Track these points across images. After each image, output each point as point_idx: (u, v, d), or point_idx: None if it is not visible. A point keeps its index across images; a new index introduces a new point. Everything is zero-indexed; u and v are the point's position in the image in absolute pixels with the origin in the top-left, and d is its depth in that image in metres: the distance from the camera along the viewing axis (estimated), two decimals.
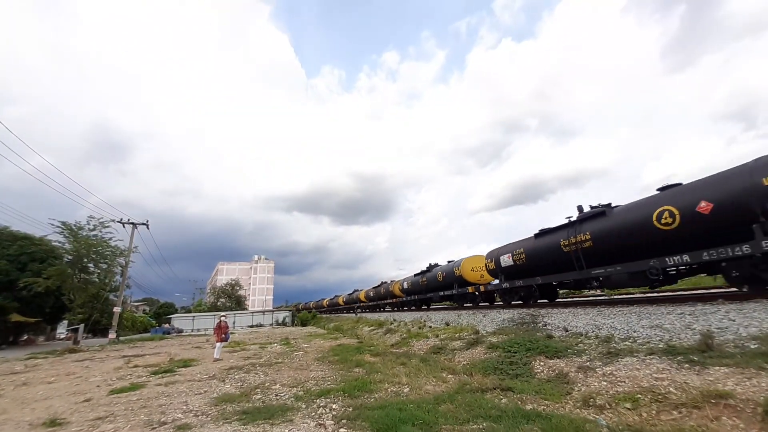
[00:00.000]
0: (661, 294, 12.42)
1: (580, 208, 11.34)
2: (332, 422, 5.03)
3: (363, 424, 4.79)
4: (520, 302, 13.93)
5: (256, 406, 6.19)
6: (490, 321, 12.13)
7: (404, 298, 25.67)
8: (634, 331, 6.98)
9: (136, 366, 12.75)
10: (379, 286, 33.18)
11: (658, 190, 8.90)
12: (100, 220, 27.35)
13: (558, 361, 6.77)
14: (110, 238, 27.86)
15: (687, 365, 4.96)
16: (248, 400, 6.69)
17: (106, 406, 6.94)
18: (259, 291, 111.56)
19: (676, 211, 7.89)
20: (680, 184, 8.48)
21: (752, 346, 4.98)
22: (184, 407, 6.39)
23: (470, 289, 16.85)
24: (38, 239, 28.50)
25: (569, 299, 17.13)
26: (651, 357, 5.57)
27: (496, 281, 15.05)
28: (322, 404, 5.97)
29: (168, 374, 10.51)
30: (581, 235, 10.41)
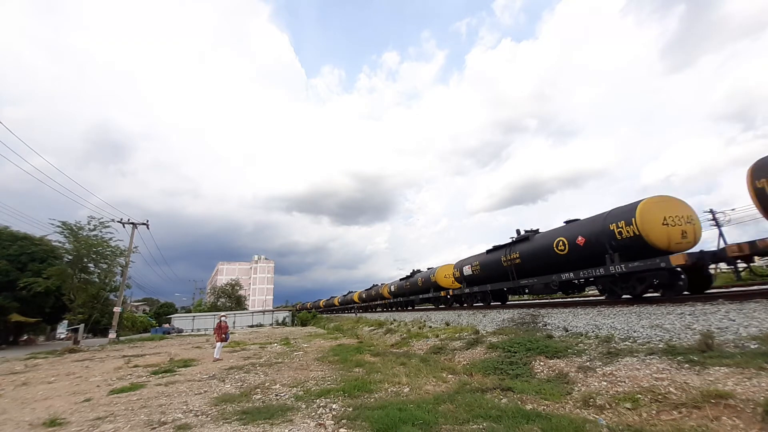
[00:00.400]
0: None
1: (518, 232, 14.36)
2: (332, 422, 5.03)
3: (363, 424, 4.79)
4: (480, 304, 16.81)
5: (256, 406, 6.19)
6: (490, 321, 12.14)
7: (391, 300, 28.15)
8: (634, 331, 6.98)
9: (136, 366, 12.75)
10: (371, 288, 35.15)
11: (564, 222, 12.06)
12: (101, 220, 27.36)
13: (558, 361, 6.77)
14: (110, 238, 27.87)
15: (687, 365, 4.96)
16: (248, 400, 6.69)
17: (106, 406, 6.94)
18: (259, 291, 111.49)
19: (566, 242, 11.08)
20: (578, 219, 11.64)
21: (752, 346, 4.98)
22: (184, 407, 6.38)
23: (442, 293, 19.92)
24: (38, 239, 28.54)
25: (569, 299, 17.12)
26: (651, 357, 5.57)
27: (464, 287, 17.53)
28: (322, 404, 5.97)
29: (168, 374, 10.51)
30: (513, 253, 13.63)
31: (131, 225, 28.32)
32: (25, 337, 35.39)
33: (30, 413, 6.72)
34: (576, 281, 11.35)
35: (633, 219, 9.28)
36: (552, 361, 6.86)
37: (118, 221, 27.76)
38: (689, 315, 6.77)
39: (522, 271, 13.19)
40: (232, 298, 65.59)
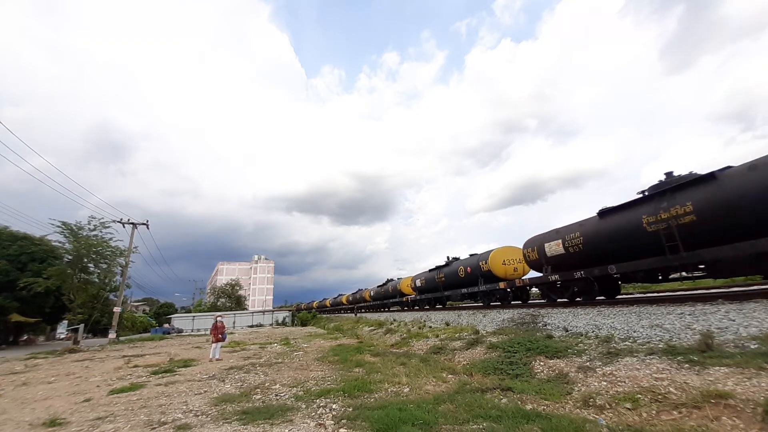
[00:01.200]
0: (661, 294, 12.42)
1: (447, 257, 17.85)
2: (332, 422, 5.03)
3: (363, 424, 4.79)
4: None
5: (256, 406, 6.19)
6: (490, 321, 12.13)
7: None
8: (634, 331, 6.98)
9: (136, 366, 12.75)
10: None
11: (469, 255, 17.54)
12: (101, 221, 27.37)
13: (558, 361, 6.77)
14: (110, 239, 27.88)
15: (687, 365, 4.96)
16: (248, 400, 6.69)
17: (106, 406, 6.94)
18: (259, 291, 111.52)
19: (463, 269, 17.45)
20: (462, 257, 17.94)
21: (752, 346, 4.98)
22: (184, 407, 6.38)
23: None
24: (38, 239, 28.55)
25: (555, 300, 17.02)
26: (651, 357, 5.57)
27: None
28: (322, 404, 5.97)
29: (168, 374, 10.51)
30: (440, 274, 18.06)
31: (131, 225, 28.33)
32: (25, 337, 35.41)
33: (30, 413, 6.72)
34: (469, 293, 17.06)
35: (487, 260, 15.43)
36: (552, 361, 6.86)
37: (118, 221, 27.78)
38: (689, 315, 6.77)
39: (444, 286, 19.60)
40: (232, 298, 65.64)
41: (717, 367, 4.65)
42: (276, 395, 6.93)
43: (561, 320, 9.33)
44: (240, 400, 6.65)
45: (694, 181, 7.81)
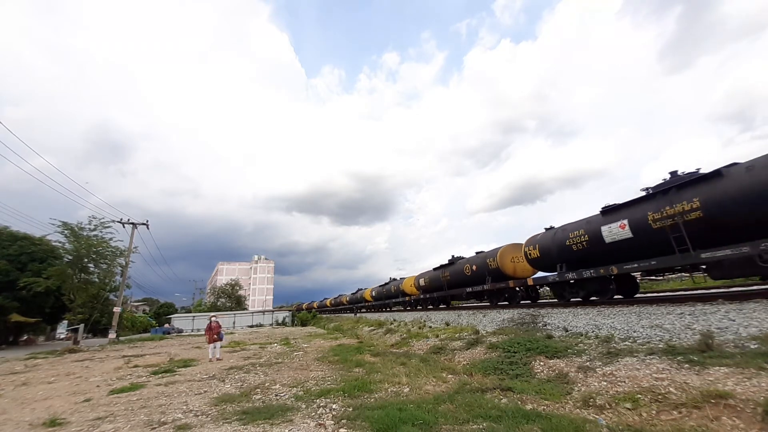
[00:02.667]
0: (661, 294, 12.42)
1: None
2: (332, 422, 5.03)
3: (363, 424, 4.79)
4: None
5: (256, 406, 6.19)
6: (490, 321, 12.13)
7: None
8: (634, 331, 6.98)
9: (136, 366, 12.74)
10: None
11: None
12: (101, 221, 27.37)
13: (558, 361, 6.77)
14: (110, 239, 27.87)
15: (687, 365, 4.96)
16: (248, 400, 6.69)
17: (106, 406, 6.94)
18: (259, 291, 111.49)
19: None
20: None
21: (752, 346, 4.98)
22: (184, 407, 6.38)
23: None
24: (38, 239, 28.54)
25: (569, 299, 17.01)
26: (651, 357, 5.57)
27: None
28: (322, 404, 5.97)
29: (168, 374, 10.51)
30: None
31: (131, 225, 28.32)
32: (25, 337, 35.39)
33: (30, 413, 6.72)
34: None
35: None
36: (552, 361, 6.86)
37: (118, 221, 27.78)
38: (689, 315, 6.77)
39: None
40: (232, 298, 65.59)
41: (717, 367, 4.65)
42: (276, 395, 6.93)
43: (561, 320, 9.33)
44: (240, 400, 6.65)
45: (449, 262, 13.27)
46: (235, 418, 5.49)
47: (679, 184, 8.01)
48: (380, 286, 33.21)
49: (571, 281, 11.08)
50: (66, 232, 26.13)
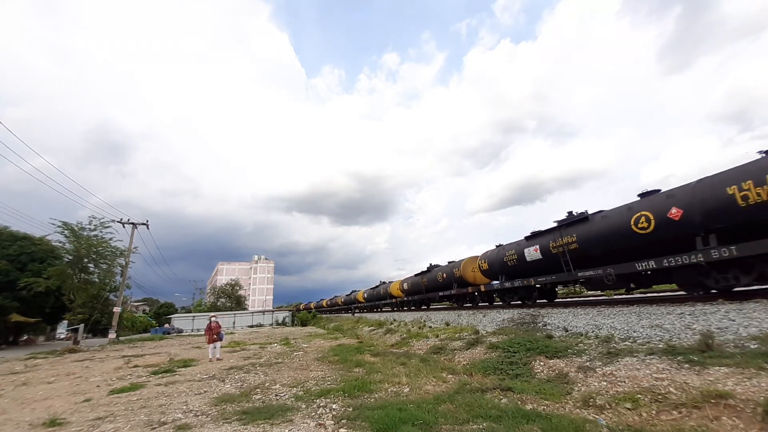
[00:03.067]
0: (661, 294, 12.43)
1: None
2: (332, 422, 5.03)
3: (363, 424, 4.79)
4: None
5: (256, 406, 6.19)
6: (490, 321, 12.13)
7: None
8: (634, 331, 6.98)
9: (136, 366, 12.75)
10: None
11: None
12: (101, 221, 27.37)
13: (558, 361, 6.77)
14: (110, 239, 27.88)
15: (687, 365, 4.96)
16: (248, 400, 6.69)
17: (106, 406, 6.94)
18: (259, 291, 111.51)
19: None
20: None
21: (752, 346, 4.98)
22: (184, 407, 6.38)
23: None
24: (38, 239, 28.55)
25: (569, 299, 17.15)
26: (651, 357, 5.57)
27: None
28: (322, 404, 5.97)
29: (168, 374, 10.51)
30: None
31: (131, 225, 28.33)
32: (25, 337, 35.40)
33: (30, 413, 6.72)
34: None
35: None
36: (552, 361, 6.86)
37: (118, 221, 27.78)
38: (689, 315, 6.77)
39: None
40: (232, 298, 65.58)
41: (717, 367, 4.65)
42: (276, 395, 6.93)
43: (561, 320, 9.33)
44: (240, 400, 6.65)
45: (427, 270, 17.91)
46: (235, 418, 5.49)
47: (566, 223, 11.00)
48: (371, 288, 35.21)
49: (509, 288, 13.85)
50: (66, 232, 26.14)
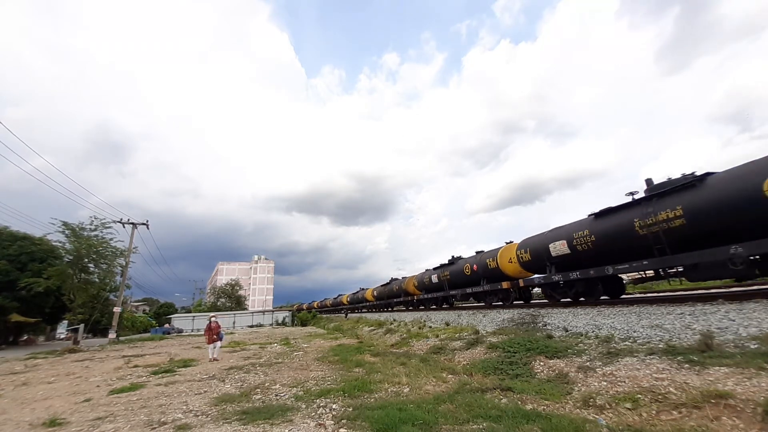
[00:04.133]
0: (661, 294, 12.42)
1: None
2: (332, 422, 5.03)
3: (363, 424, 4.79)
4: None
5: (256, 406, 6.19)
6: (490, 321, 12.13)
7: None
8: (634, 331, 6.98)
9: (136, 366, 12.74)
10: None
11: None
12: (102, 221, 27.37)
13: (558, 361, 6.77)
14: (111, 239, 27.87)
15: (687, 365, 4.96)
16: (248, 400, 6.69)
17: (106, 406, 6.94)
18: (259, 291, 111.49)
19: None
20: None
21: (752, 346, 4.98)
22: (184, 407, 6.38)
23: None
24: (38, 239, 28.53)
25: (568, 299, 17.05)
26: (651, 357, 5.57)
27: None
28: (322, 404, 5.97)
29: (168, 374, 10.51)
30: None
31: (131, 225, 28.32)
32: (25, 337, 35.40)
33: (30, 413, 6.72)
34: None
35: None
36: (552, 361, 6.86)
37: (118, 221, 27.78)
38: (689, 315, 6.77)
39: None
40: (232, 298, 65.61)
41: (717, 367, 4.65)
42: (276, 395, 6.93)
43: (561, 320, 9.33)
44: (240, 400, 6.65)
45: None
46: (235, 418, 5.49)
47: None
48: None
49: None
50: (67, 232, 26.13)
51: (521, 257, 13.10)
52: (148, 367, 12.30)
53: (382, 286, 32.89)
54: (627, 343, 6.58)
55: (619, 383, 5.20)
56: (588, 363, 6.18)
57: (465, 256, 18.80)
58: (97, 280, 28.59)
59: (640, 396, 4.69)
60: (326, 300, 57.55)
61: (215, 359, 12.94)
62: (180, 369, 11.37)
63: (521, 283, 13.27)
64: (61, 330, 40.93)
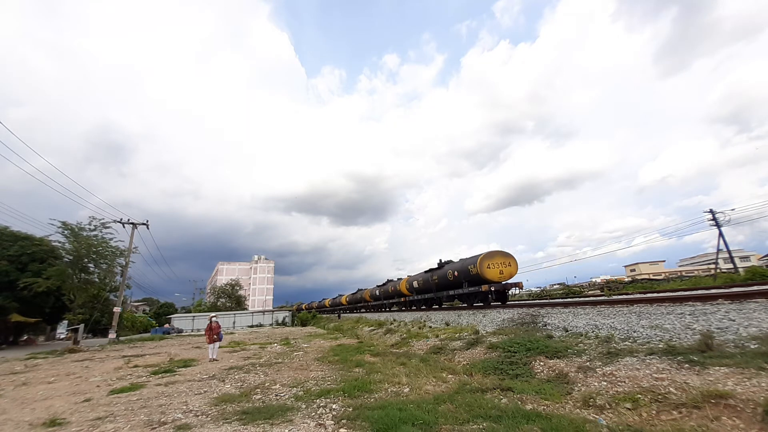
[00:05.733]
0: (661, 294, 12.42)
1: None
2: (332, 422, 5.03)
3: (363, 424, 4.79)
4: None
5: (256, 406, 6.19)
6: (490, 321, 12.13)
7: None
8: (634, 331, 6.98)
9: (136, 366, 12.75)
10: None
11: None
12: (101, 221, 27.36)
13: (558, 361, 6.77)
14: (111, 239, 27.87)
15: (687, 365, 4.96)
16: (248, 400, 6.69)
17: (106, 406, 6.94)
18: (259, 291, 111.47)
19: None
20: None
21: (752, 346, 4.98)
22: (184, 407, 6.38)
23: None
24: (38, 239, 28.51)
25: (569, 299, 17.18)
26: (651, 357, 5.57)
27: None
28: (322, 404, 5.97)
29: (168, 374, 10.51)
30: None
31: (131, 225, 28.33)
32: (25, 337, 35.39)
33: (30, 413, 6.72)
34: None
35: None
36: (552, 361, 6.86)
37: (118, 221, 27.78)
38: (689, 315, 6.77)
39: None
40: (232, 298, 65.57)
41: (717, 367, 4.65)
42: (276, 395, 6.93)
43: (561, 320, 9.33)
44: (240, 400, 6.65)
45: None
46: (235, 418, 5.49)
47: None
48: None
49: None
50: (66, 232, 26.13)
51: (407, 285, 22.79)
52: (148, 367, 12.30)
53: (378, 287, 33.77)
54: (627, 343, 6.58)
55: (619, 383, 5.20)
56: (588, 363, 6.18)
57: (461, 257, 19.94)
58: (97, 280, 28.59)
59: (640, 396, 4.69)
60: (325, 300, 57.96)
61: (215, 359, 12.94)
62: (180, 369, 11.37)
63: (406, 299, 21.22)
64: (61, 330, 40.90)
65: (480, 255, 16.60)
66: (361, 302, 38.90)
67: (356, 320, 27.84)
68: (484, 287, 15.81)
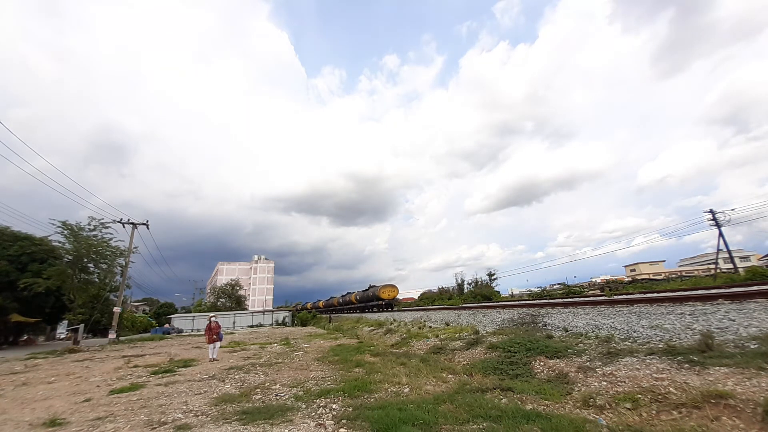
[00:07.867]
0: (661, 294, 12.43)
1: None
2: (332, 422, 5.03)
3: (363, 424, 4.79)
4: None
5: (256, 406, 6.19)
6: (490, 321, 12.14)
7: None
8: (634, 331, 6.98)
9: (136, 366, 12.75)
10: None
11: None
12: (101, 221, 27.37)
13: (558, 361, 6.77)
14: (111, 239, 27.87)
15: (687, 365, 4.96)
16: (248, 400, 6.69)
17: (106, 406, 6.94)
18: (259, 291, 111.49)
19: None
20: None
21: (752, 346, 4.98)
22: (184, 407, 6.39)
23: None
24: (39, 240, 28.50)
25: (568, 299, 17.20)
26: (651, 357, 5.57)
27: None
28: (322, 404, 5.97)
29: (168, 374, 10.51)
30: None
31: (131, 225, 28.33)
32: (25, 337, 35.38)
33: (30, 413, 6.72)
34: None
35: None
36: (552, 361, 6.86)
37: (118, 221, 27.78)
38: (689, 315, 6.77)
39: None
40: (232, 298, 65.55)
41: (717, 367, 4.65)
42: (276, 395, 6.93)
43: (561, 320, 9.33)
44: (240, 400, 6.65)
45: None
46: (235, 418, 5.49)
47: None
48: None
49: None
50: (66, 232, 26.14)
51: (383, 291, 34.39)
52: (148, 367, 12.30)
53: (362, 291, 42.75)
54: (627, 343, 6.58)
55: (619, 383, 5.20)
56: (588, 363, 6.18)
57: (381, 284, 35.49)
58: (97, 280, 28.60)
59: (640, 396, 4.69)
60: (319, 301, 60.63)
61: (215, 359, 12.95)
62: (180, 369, 11.37)
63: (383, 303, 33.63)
64: (61, 330, 40.91)
65: (379, 286, 34.95)
66: (350, 303, 47.45)
67: (356, 320, 27.86)
68: (381, 302, 34.28)
